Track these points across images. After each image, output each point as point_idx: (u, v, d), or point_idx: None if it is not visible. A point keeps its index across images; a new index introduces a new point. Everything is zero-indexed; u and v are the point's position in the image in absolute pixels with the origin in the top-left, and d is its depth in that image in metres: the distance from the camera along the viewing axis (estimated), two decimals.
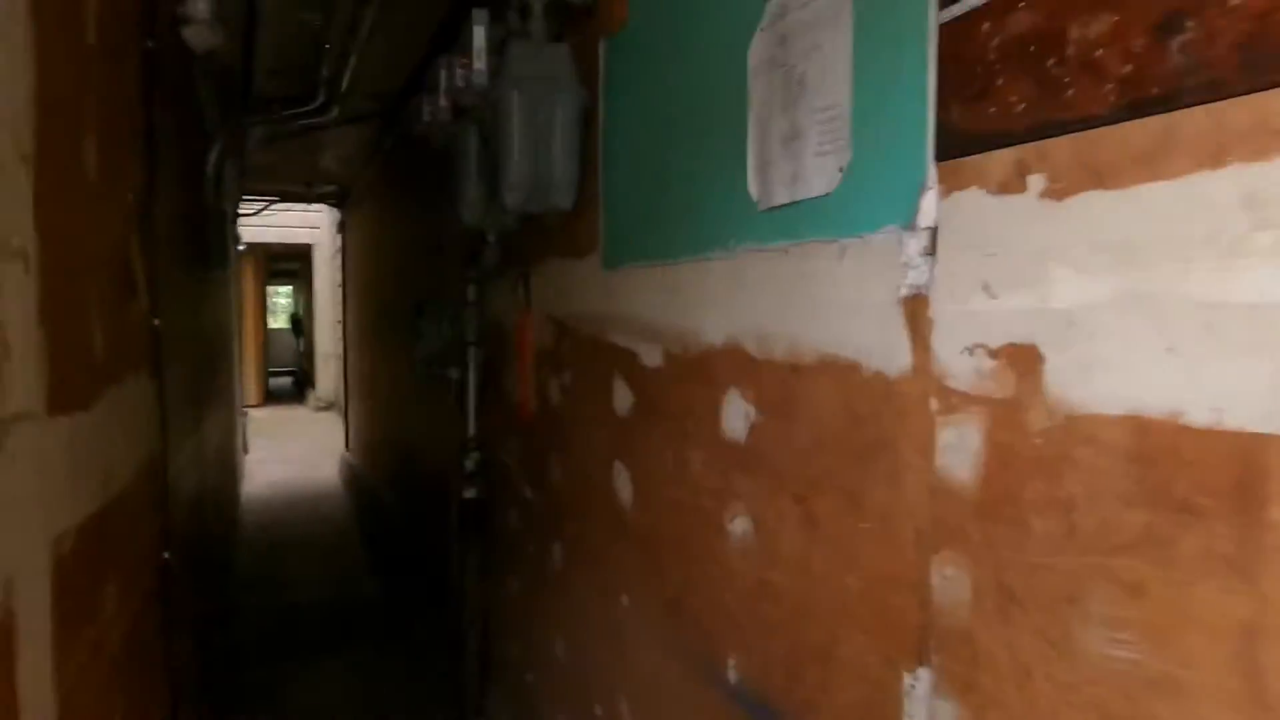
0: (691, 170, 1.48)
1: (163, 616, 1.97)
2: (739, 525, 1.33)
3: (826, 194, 1.08)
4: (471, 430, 2.75)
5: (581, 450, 2.05)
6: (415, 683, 3.35)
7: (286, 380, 16.85)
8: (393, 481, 5.32)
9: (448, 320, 2.89)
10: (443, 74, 1.96)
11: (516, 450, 2.57)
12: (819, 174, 1.09)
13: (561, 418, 2.19)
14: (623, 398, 1.80)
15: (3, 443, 0.89)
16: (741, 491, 1.32)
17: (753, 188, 1.26)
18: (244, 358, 12.02)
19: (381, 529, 5.37)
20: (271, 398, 13.84)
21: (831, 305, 1.08)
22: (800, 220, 1.15)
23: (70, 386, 1.17)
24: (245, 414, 9.53)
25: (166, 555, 2.03)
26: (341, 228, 8.00)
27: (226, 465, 5.13)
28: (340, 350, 11.01)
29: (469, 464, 2.70)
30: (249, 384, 12.17)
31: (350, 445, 7.77)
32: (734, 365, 1.34)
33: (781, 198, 1.18)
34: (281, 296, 21.41)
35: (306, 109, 3.39)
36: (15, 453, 0.93)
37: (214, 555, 3.67)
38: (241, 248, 10.84)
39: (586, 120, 1.84)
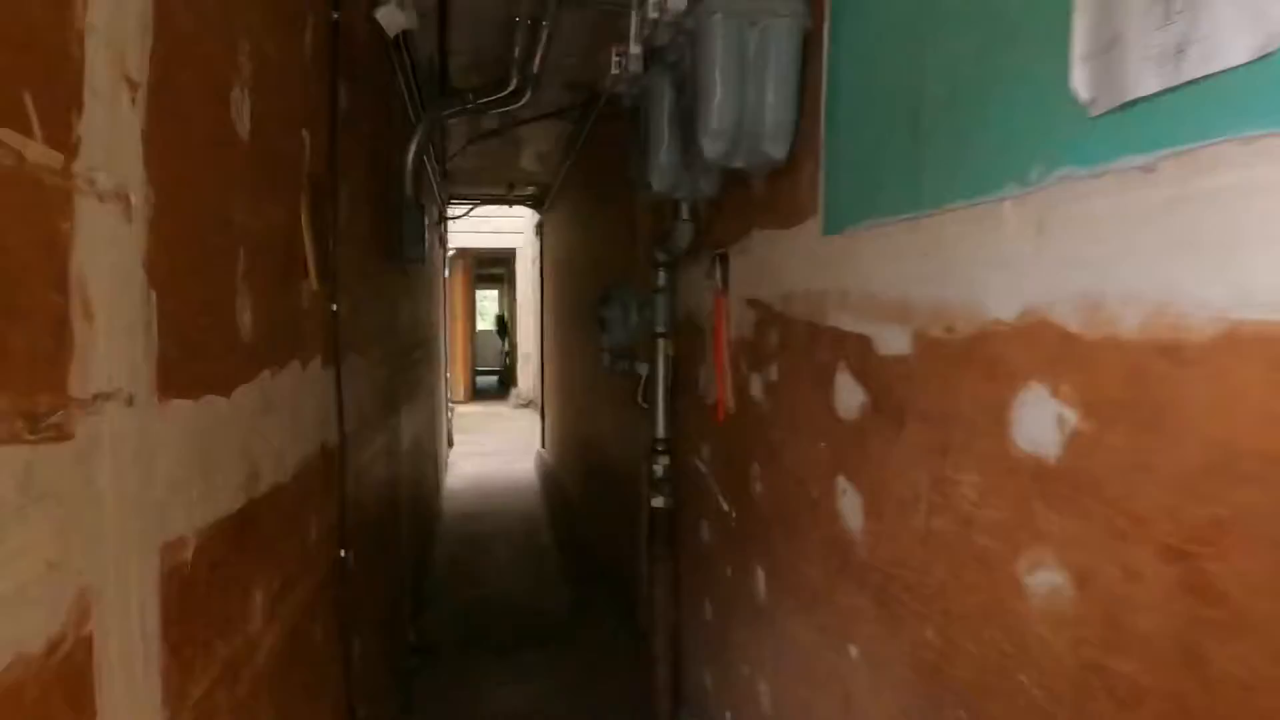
0: (967, 81, 1.06)
1: (337, 617, 1.85)
2: (1044, 579, 0.90)
3: (1263, 57, 0.64)
4: (661, 431, 2.46)
5: (792, 460, 1.68)
6: (604, 696, 3.14)
7: (492, 379, 17.87)
8: (583, 480, 5.22)
9: (635, 309, 2.63)
10: (634, 15, 1.68)
11: (711, 456, 2.25)
12: (1244, 29, 0.65)
13: (765, 420, 1.84)
14: (849, 396, 1.41)
15: (72, 428, 0.70)
16: (1049, 531, 0.90)
17: (1078, 83, 0.84)
18: (453, 357, 12.80)
19: (572, 528, 5.29)
20: (478, 395, 14.67)
21: (1262, 240, 0.64)
22: (1188, 114, 0.71)
23: (197, 367, 1.00)
24: (452, 410, 10.08)
25: (343, 554, 1.92)
26: (539, 230, 8.17)
27: (427, 459, 5.29)
28: (538, 350, 11.40)
29: (658, 469, 2.42)
30: (457, 382, 12.93)
31: (545, 442, 7.89)
32: (1037, 348, 0.91)
33: (1147, 85, 0.74)
34: (489, 300, 22.88)
35: (500, 95, 3.29)
36: (98, 439, 0.74)
37: (408, 548, 3.69)
38: (451, 252, 11.54)
39: (806, 47, 1.47)
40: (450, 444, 9.13)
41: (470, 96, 3.39)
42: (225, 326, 1.13)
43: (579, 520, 5.23)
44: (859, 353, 1.37)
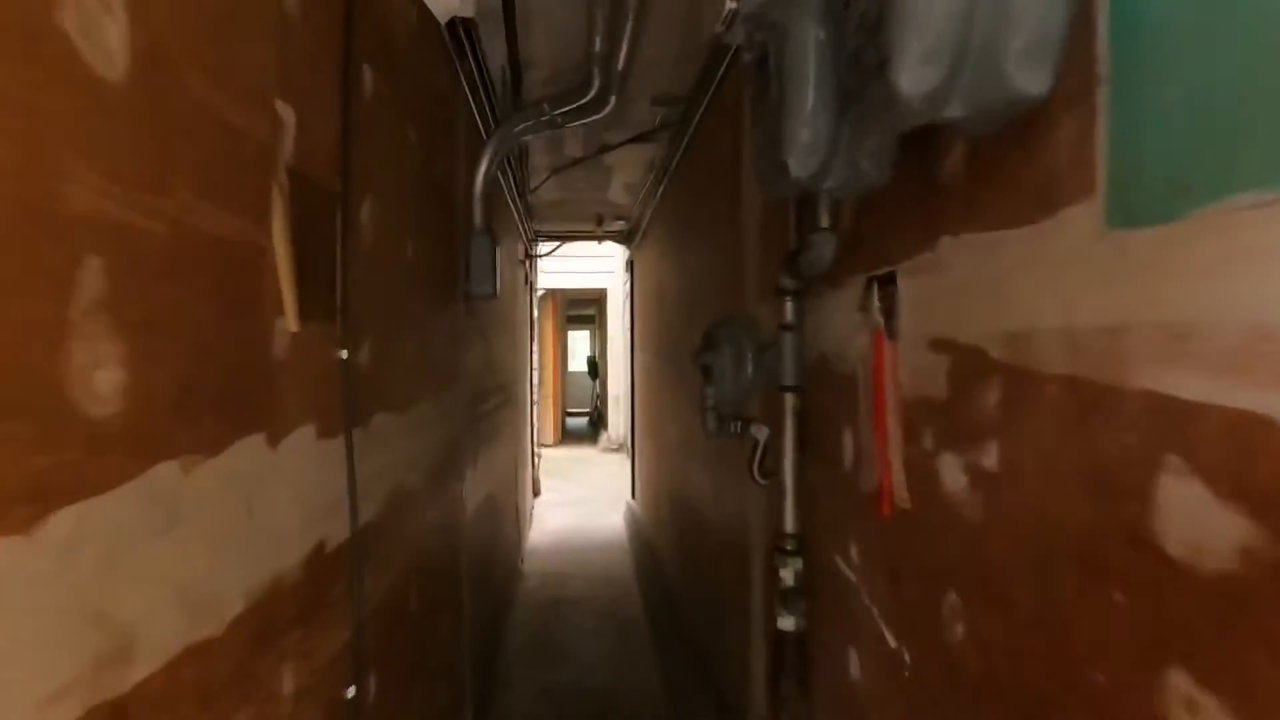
0: None
1: None
2: None
3: None
4: (790, 524, 1.81)
5: (1043, 611, 1.01)
6: None
7: (582, 421, 17.50)
8: (677, 549, 4.57)
9: (751, 355, 2.01)
10: None
11: (866, 562, 1.58)
12: None
13: (975, 530, 1.17)
14: (1200, 523, 0.74)
15: None
16: None
17: None
18: (542, 399, 12.45)
19: (665, 606, 4.63)
20: (568, 437, 14.26)
21: None
22: None
23: None
24: (539, 455, 9.65)
25: (352, 691, 1.37)
26: (629, 267, 7.69)
27: (505, 516, 4.78)
28: (628, 392, 10.89)
29: (787, 577, 1.76)
30: (545, 424, 12.56)
31: (636, 493, 7.29)
32: None
33: None
34: (580, 340, 22.72)
35: (580, 103, 2.79)
36: None
37: (471, 636, 3.13)
38: (540, 292, 11.25)
39: None
40: (536, 492, 8.67)
41: (546, 107, 2.90)
42: (39, 399, 0.59)
43: (675, 595, 4.56)
44: (1228, 443, 0.71)
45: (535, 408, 9.72)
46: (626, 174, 5.32)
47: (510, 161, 4.40)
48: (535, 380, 10.02)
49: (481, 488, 3.43)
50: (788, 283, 1.79)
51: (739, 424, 2.09)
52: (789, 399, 1.84)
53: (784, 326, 1.84)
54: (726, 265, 2.96)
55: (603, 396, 15.35)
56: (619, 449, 12.15)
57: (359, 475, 1.40)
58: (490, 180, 2.97)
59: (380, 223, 1.64)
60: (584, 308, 18.40)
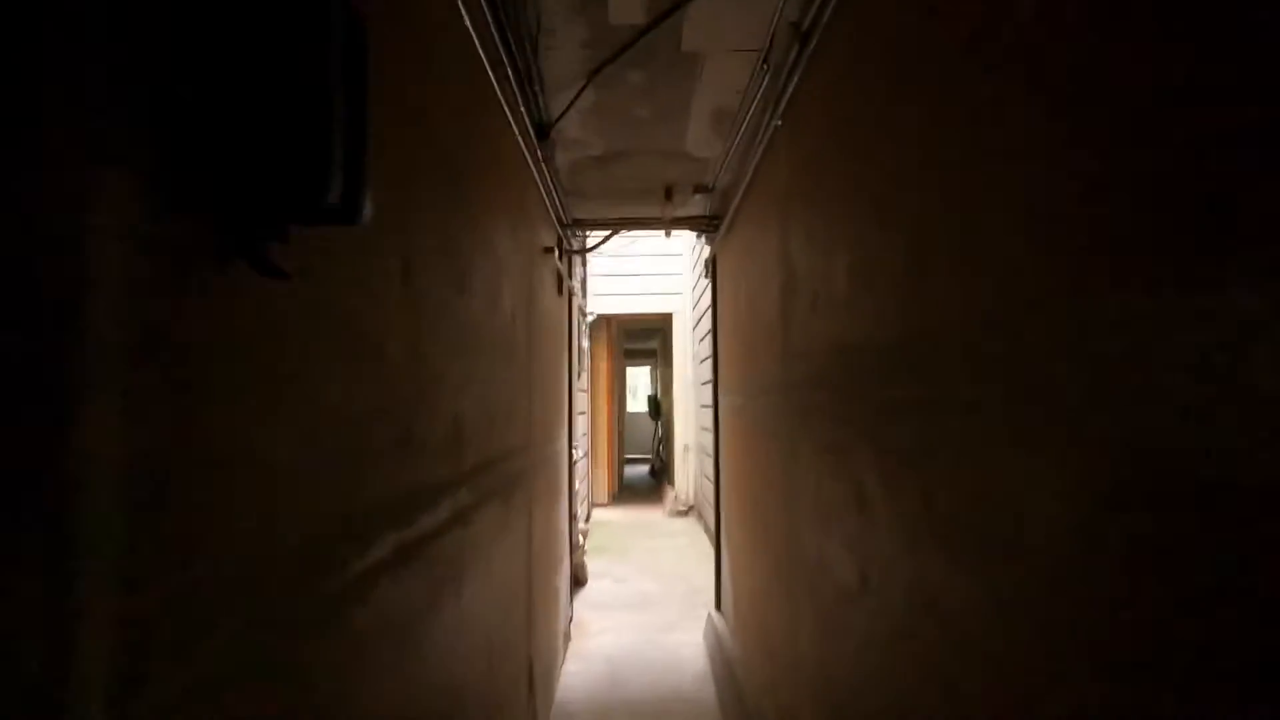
0: None
1: None
2: None
3: None
4: None
5: None
6: None
7: (642, 470, 15.18)
8: None
9: None
10: None
11: None
12: None
13: None
14: None
15: None
16: None
17: None
18: (594, 449, 10.24)
19: None
20: (624, 492, 11.95)
21: None
22: None
23: None
24: (585, 529, 7.39)
25: None
26: (710, 269, 5.43)
27: (512, 681, 2.52)
28: (702, 441, 8.55)
29: None
30: (599, 479, 10.33)
31: (721, 603, 4.95)
32: None
33: None
34: (639, 378, 20.50)
35: None
36: None
37: None
38: (590, 318, 9.13)
39: None
40: (580, 581, 6.41)
41: None
42: None
43: None
44: None
45: (581, 460, 7.50)
46: (717, 93, 3.12)
47: (511, 46, 2.25)
48: (584, 429, 7.79)
49: (485, 596, 1.23)
50: None
51: None
52: None
53: None
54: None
55: (665, 441, 13.01)
56: (688, 511, 9.82)
57: None
58: None
59: None
60: (644, 340, 16.16)
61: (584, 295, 8.07)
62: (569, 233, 4.80)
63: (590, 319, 8.50)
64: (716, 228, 4.79)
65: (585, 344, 8.76)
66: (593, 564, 6.88)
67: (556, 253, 4.33)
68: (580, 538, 6.31)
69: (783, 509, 2.84)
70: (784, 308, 2.75)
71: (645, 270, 9.82)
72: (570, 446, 5.23)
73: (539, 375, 3.53)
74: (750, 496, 3.78)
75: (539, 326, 3.56)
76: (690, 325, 9.75)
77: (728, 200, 4.21)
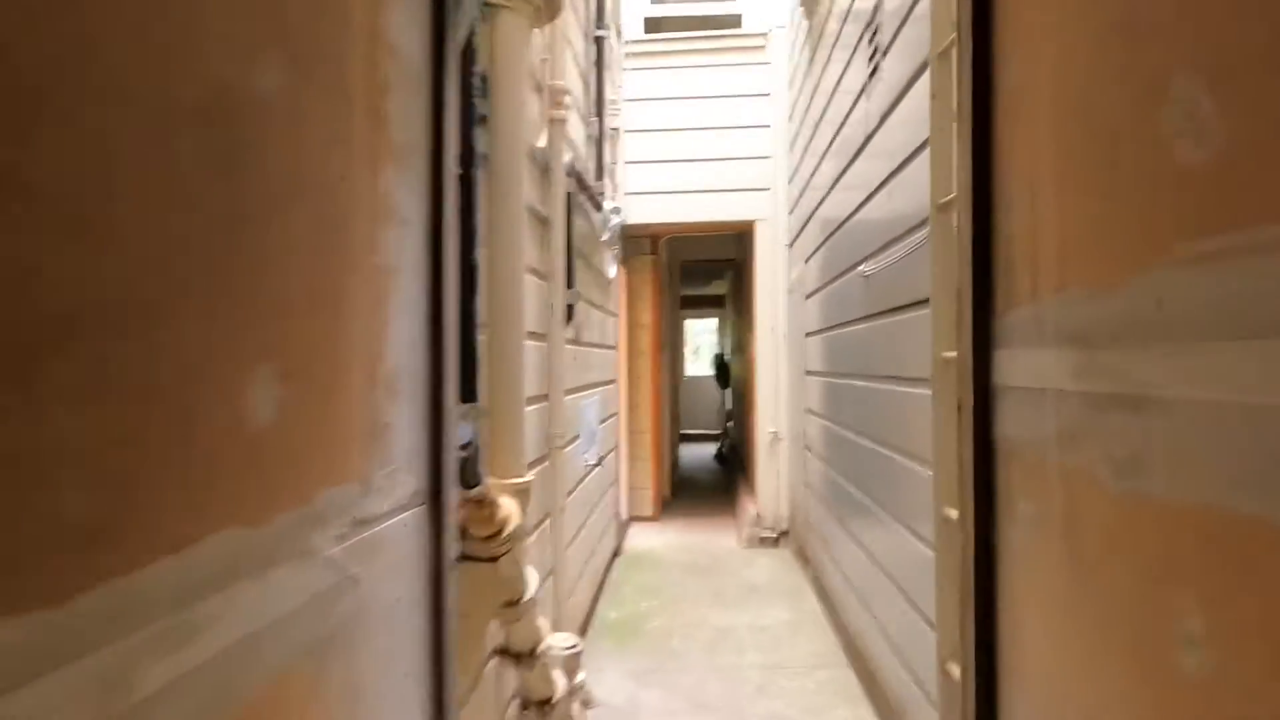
0: None
1: None
2: None
3: None
4: None
5: None
6: None
7: (705, 451, 11.48)
8: None
9: None
10: None
11: None
12: None
13: None
14: None
15: None
16: None
17: None
18: (633, 436, 6.64)
19: None
20: (681, 490, 8.30)
21: None
22: None
23: None
24: (577, 646, 3.73)
25: None
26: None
27: None
28: (805, 430, 4.73)
29: None
30: (639, 483, 6.74)
31: None
32: None
33: None
34: (701, 332, 16.76)
35: None
36: None
37: None
38: (615, 222, 5.41)
39: None
40: (590, 704, 2.80)
41: None
42: None
43: None
44: None
45: (596, 468, 3.94)
46: None
47: None
48: (608, 411, 4.12)
49: None
50: None
51: None
52: None
53: None
54: None
55: (739, 421, 9.32)
56: (777, 539, 6.13)
57: None
58: None
59: None
60: (704, 283, 12.23)
61: (613, 154, 4.41)
62: None
63: (616, 224, 4.81)
64: None
65: (612, 268, 5.13)
66: (610, 671, 3.33)
67: None
68: (567, 678, 2.67)
69: None
70: None
71: (712, 151, 6.05)
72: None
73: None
74: None
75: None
76: (787, 240, 5.98)
77: None
